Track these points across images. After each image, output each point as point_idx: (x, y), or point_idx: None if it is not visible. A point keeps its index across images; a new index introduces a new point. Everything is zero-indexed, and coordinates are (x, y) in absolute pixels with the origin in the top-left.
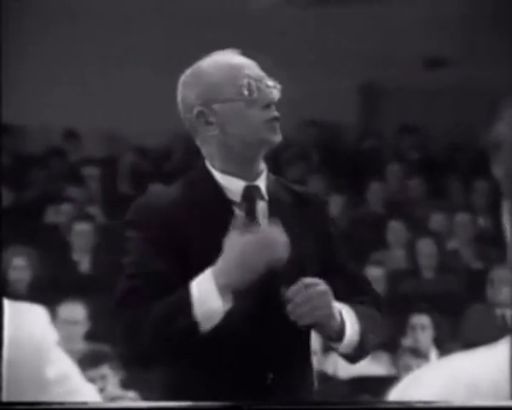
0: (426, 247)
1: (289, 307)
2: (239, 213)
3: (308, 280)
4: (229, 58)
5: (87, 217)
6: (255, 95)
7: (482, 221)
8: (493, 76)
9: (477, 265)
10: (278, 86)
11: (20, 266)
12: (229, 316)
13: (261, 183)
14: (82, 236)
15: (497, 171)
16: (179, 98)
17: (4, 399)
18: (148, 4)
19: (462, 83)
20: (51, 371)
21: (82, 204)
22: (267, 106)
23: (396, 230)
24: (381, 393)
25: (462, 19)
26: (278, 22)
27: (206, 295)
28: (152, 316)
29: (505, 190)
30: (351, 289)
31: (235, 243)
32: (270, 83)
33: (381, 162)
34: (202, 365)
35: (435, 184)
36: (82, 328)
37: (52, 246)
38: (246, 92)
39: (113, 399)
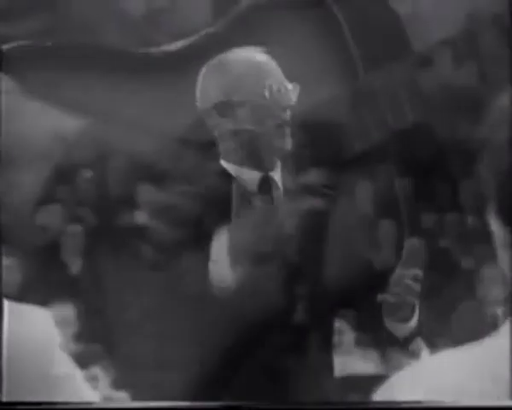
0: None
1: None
2: (257, 203)
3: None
4: (254, 56)
5: (77, 219)
6: (275, 97)
7: (472, 220)
8: (479, 77)
9: (467, 263)
10: (297, 89)
11: (10, 267)
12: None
13: (276, 174)
14: (72, 237)
15: (484, 171)
16: (199, 88)
17: (5, 399)
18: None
19: (450, 83)
20: (57, 371)
21: (72, 206)
22: (283, 109)
23: (386, 229)
24: (370, 392)
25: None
26: (263, 23)
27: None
28: None
29: (491, 190)
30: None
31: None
32: (290, 87)
33: (371, 162)
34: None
35: (425, 183)
36: (72, 328)
37: (42, 247)
38: (267, 93)
39: (105, 399)
